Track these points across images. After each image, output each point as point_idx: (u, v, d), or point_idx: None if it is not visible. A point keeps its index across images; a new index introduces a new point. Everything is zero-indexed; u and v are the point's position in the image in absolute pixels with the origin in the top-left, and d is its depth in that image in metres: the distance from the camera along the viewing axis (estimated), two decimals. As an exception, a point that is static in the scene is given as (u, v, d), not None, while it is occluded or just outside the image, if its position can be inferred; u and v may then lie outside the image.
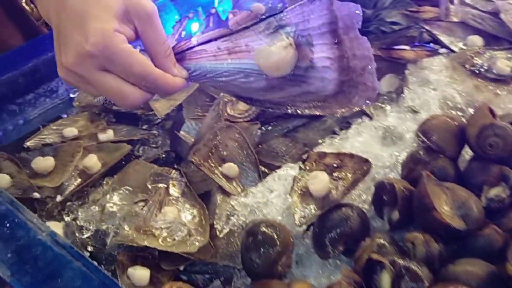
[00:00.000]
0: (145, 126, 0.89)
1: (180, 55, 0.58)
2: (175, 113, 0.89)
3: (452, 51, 0.80)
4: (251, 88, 0.57)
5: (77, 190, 0.75)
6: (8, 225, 0.58)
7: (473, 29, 0.84)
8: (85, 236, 0.69)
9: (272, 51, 0.56)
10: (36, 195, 0.73)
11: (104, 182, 0.77)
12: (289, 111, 0.57)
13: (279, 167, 0.72)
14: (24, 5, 0.53)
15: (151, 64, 0.50)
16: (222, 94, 0.83)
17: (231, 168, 0.72)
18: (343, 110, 0.56)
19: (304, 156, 0.68)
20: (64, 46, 0.47)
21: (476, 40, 0.81)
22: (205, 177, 0.72)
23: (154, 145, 0.85)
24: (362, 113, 0.76)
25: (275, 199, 0.65)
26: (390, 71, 0.79)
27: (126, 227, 0.67)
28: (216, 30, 0.63)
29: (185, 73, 0.55)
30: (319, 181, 0.62)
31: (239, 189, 0.70)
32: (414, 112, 0.72)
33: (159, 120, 0.89)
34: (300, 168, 0.66)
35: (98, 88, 0.49)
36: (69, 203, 0.74)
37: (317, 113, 0.57)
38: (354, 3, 0.84)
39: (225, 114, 0.80)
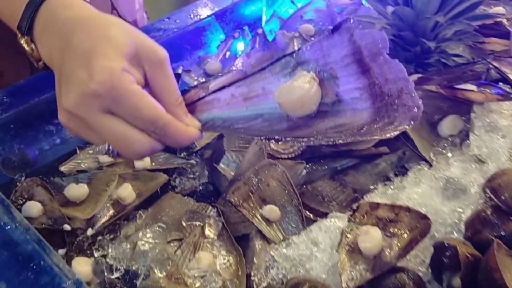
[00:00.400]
0: (183, 154, 0.84)
1: (191, 107, 0.52)
2: (215, 141, 0.84)
3: (524, 91, 0.72)
4: (273, 130, 0.52)
5: (109, 223, 0.71)
6: (33, 268, 0.54)
7: (548, 67, 0.75)
8: (114, 276, 0.65)
9: (294, 86, 0.51)
10: (67, 227, 0.69)
11: (138, 215, 0.73)
12: (323, 142, 0.51)
13: (325, 214, 0.65)
14: (24, 45, 0.49)
15: (162, 108, 0.45)
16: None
17: (272, 210, 0.66)
18: (387, 134, 0.50)
19: (354, 206, 0.61)
20: (66, 86, 0.43)
21: (552, 80, 0.73)
22: (244, 218, 0.67)
23: (191, 176, 0.80)
24: (420, 158, 0.69)
25: (319, 253, 0.59)
26: (453, 111, 0.72)
27: (157, 271, 0.63)
28: (230, 74, 0.58)
29: (198, 124, 0.50)
30: (371, 238, 0.56)
31: (280, 235, 0.65)
32: (481, 162, 0.64)
33: (198, 149, 0.85)
34: (349, 220, 0.60)
35: (101, 134, 0.44)
36: (100, 238, 0.69)
37: (358, 139, 0.51)
38: (412, 33, 0.78)
39: (268, 148, 0.75)
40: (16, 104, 0.83)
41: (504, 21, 0.88)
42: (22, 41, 0.48)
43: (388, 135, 0.50)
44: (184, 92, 0.52)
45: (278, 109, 0.52)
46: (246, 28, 1.09)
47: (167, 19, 1.02)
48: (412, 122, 0.50)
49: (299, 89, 0.51)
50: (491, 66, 0.77)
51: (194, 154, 0.84)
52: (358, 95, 0.51)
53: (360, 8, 1.07)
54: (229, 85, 0.54)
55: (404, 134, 0.72)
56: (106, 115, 0.43)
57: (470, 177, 0.62)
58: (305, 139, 0.51)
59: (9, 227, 0.58)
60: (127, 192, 0.74)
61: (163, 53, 0.47)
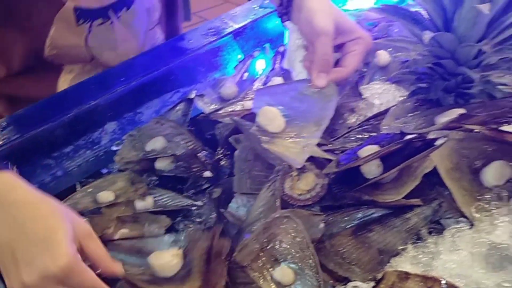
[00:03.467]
0: (191, 192, 0.76)
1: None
2: (226, 179, 0.76)
3: None
4: None
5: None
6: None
7: None
8: None
9: None
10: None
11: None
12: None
13: (345, 279, 0.56)
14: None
15: (98, 279, 0.54)
16: (283, 163, 0.68)
17: (285, 273, 0.57)
18: None
19: (379, 275, 0.52)
20: (27, 267, 0.52)
21: None
22: (252, 280, 0.58)
23: (197, 219, 0.72)
24: (461, 215, 0.58)
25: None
26: (499, 156, 0.61)
27: None
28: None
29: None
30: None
31: (292, 302, 0.56)
32: (532, 222, 0.53)
33: (206, 186, 0.76)
34: (372, 294, 0.50)
35: None
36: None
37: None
38: (453, 61, 0.67)
39: (282, 192, 0.66)
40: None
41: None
42: None
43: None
44: None
45: None
46: (267, 45, 1.01)
47: (181, 39, 0.94)
48: None
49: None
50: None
51: (203, 192, 0.76)
52: None
53: (393, 24, 0.97)
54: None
55: (440, 181, 0.62)
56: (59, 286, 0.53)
57: (521, 243, 0.52)
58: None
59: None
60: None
61: (88, 225, 0.57)
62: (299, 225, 0.60)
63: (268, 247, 0.59)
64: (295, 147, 0.64)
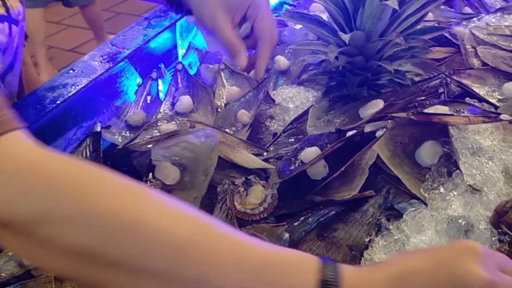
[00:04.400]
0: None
1: None
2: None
3: (491, 104, 0.68)
4: None
5: None
6: None
7: (505, 74, 0.73)
8: None
9: None
10: None
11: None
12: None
13: (325, 283, 0.56)
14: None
15: None
16: (225, 182, 0.67)
17: (263, 292, 0.55)
18: None
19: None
20: None
21: (513, 88, 0.70)
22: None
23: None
24: (409, 196, 0.62)
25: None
26: (427, 137, 0.66)
27: None
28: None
29: None
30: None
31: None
32: (476, 190, 0.59)
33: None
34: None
35: None
36: None
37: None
38: (363, 57, 0.71)
39: (235, 211, 0.64)
40: None
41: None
42: None
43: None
44: None
45: None
46: (162, 65, 0.97)
47: (72, 71, 0.86)
48: None
49: None
50: (449, 80, 0.72)
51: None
52: None
53: (284, 29, 1.00)
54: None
55: (380, 170, 0.65)
56: None
57: (474, 211, 0.56)
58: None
59: None
60: (71, 297, 0.59)
61: None
62: (265, 239, 0.58)
63: (239, 270, 0.57)
64: (188, 199, 0.67)
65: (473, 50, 0.80)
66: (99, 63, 0.89)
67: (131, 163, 0.80)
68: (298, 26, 0.97)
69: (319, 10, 1.03)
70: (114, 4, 3.34)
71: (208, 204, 0.67)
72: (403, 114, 0.66)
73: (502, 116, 0.60)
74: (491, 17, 0.96)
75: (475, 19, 0.95)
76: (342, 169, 0.62)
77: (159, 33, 0.95)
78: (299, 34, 0.97)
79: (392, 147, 0.65)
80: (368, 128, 0.65)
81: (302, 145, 0.70)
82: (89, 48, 2.72)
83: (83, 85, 0.83)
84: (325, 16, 0.83)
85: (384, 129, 0.62)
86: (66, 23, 3.09)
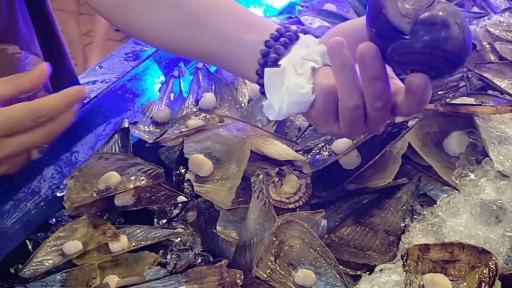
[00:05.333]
0: (163, 222, 0.72)
1: None
2: (196, 200, 0.73)
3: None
4: None
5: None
6: None
7: (523, 68, 0.76)
8: None
9: None
10: None
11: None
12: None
13: (365, 265, 0.58)
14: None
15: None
16: (257, 172, 0.68)
17: (306, 276, 0.57)
18: None
19: (402, 253, 0.55)
20: None
21: (532, 81, 0.73)
22: (274, 291, 0.57)
23: (182, 247, 0.69)
24: (441, 183, 0.64)
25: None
26: (454, 127, 0.69)
27: None
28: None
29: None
30: (441, 288, 0.50)
31: (322, 302, 0.56)
32: (505, 177, 0.61)
33: (178, 212, 0.73)
34: (406, 271, 0.53)
35: None
36: None
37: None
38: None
39: (271, 200, 0.66)
40: None
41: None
42: None
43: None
44: None
45: None
46: (181, 64, 0.99)
47: (99, 68, 0.88)
48: None
49: None
50: (471, 73, 0.75)
51: (175, 219, 0.72)
52: None
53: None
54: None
55: (410, 159, 0.68)
56: None
57: (506, 196, 0.59)
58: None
59: None
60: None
61: None
62: (304, 226, 0.61)
63: (281, 255, 0.59)
64: (222, 189, 0.68)
65: (490, 46, 0.83)
66: (125, 61, 0.90)
67: (158, 158, 0.82)
68: (316, 25, 1.00)
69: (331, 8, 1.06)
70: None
71: (243, 194, 0.69)
72: (431, 106, 0.69)
73: (529, 105, 0.63)
74: (500, 16, 0.99)
75: (485, 18, 0.98)
76: (377, 157, 0.64)
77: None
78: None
79: (422, 137, 0.68)
80: (399, 119, 0.68)
81: (332, 137, 0.72)
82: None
83: (112, 82, 0.85)
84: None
85: (417, 119, 0.64)
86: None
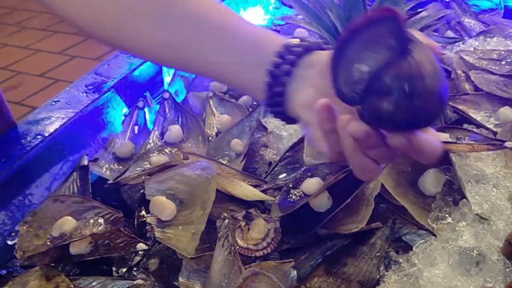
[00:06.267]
0: (122, 270, 0.67)
1: None
2: (161, 247, 0.68)
3: (488, 129, 0.68)
4: None
5: None
6: None
7: (499, 99, 0.73)
8: None
9: None
10: None
11: None
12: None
13: (338, 322, 0.54)
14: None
15: None
16: (224, 216, 0.64)
17: (274, 334, 0.53)
18: None
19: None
20: None
21: (508, 112, 0.70)
22: None
23: (142, 301, 0.63)
24: (415, 226, 0.61)
25: None
26: (428, 166, 0.65)
27: None
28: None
29: None
30: None
31: None
32: (483, 219, 0.58)
33: (139, 259, 0.68)
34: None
35: None
36: None
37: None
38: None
39: (238, 247, 0.62)
40: None
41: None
42: None
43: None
44: None
45: None
46: (147, 94, 0.94)
47: (55, 103, 0.83)
48: None
49: None
50: (445, 107, 0.72)
51: (135, 268, 0.67)
52: None
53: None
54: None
55: (385, 200, 0.64)
56: None
57: (484, 242, 0.56)
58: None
59: None
60: None
61: None
62: (272, 278, 0.56)
63: (248, 311, 0.54)
64: (186, 235, 0.64)
65: (464, 75, 0.81)
66: (84, 93, 0.85)
67: (120, 197, 0.77)
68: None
69: (302, 35, 1.03)
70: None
71: (208, 239, 0.65)
72: (404, 142, 0.65)
73: (507, 144, 0.60)
74: (474, 41, 0.97)
75: (460, 43, 0.96)
76: (348, 201, 0.60)
77: (145, 60, 0.93)
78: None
79: (396, 176, 0.64)
80: (371, 158, 0.64)
81: (302, 175, 0.68)
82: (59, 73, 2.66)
83: (69, 117, 0.80)
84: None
85: (389, 159, 0.61)
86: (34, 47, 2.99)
